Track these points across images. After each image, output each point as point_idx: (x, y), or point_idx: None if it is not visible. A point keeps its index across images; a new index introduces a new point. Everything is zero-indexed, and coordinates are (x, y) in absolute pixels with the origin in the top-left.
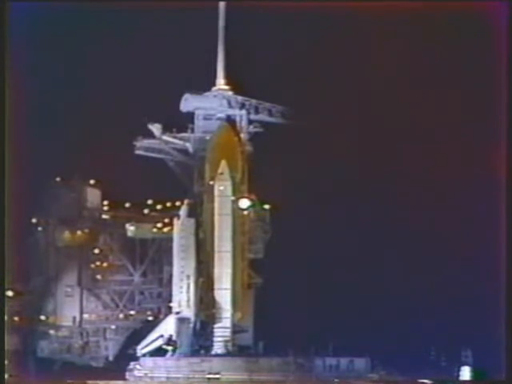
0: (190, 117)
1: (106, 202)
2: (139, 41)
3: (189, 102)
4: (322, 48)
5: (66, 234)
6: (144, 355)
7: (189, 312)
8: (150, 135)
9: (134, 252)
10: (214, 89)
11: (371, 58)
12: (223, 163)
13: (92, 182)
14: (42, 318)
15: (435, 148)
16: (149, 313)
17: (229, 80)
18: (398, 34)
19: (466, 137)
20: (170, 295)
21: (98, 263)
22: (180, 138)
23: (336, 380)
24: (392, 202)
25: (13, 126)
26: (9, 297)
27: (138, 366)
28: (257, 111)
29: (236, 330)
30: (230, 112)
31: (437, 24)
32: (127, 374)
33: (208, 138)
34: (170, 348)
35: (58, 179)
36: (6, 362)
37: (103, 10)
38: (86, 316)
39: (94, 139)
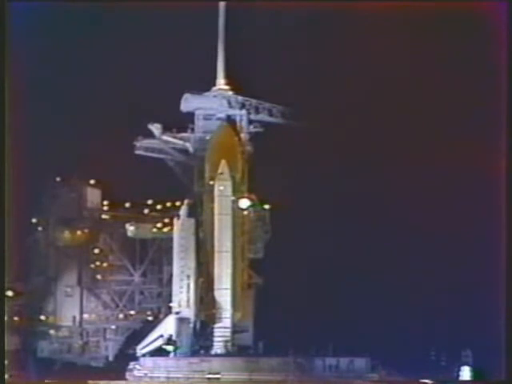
0: (190, 117)
1: (106, 202)
2: (139, 41)
3: (189, 102)
4: (322, 48)
5: (66, 234)
6: (144, 355)
7: (189, 312)
8: (150, 135)
9: (133, 252)
10: (214, 89)
11: (371, 57)
12: (223, 163)
13: (92, 181)
14: (42, 318)
15: (435, 148)
16: (149, 313)
17: (229, 80)
18: (398, 34)
19: (465, 137)
20: (170, 295)
21: (97, 263)
22: (180, 138)
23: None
24: (392, 202)
25: (13, 126)
26: (9, 297)
27: (137, 366)
28: (257, 111)
29: (236, 329)
30: (230, 112)
31: (437, 24)
32: (127, 374)
33: (208, 138)
34: (169, 348)
35: (58, 179)
36: (6, 361)
37: (103, 10)
38: (85, 316)
39: (94, 139)
